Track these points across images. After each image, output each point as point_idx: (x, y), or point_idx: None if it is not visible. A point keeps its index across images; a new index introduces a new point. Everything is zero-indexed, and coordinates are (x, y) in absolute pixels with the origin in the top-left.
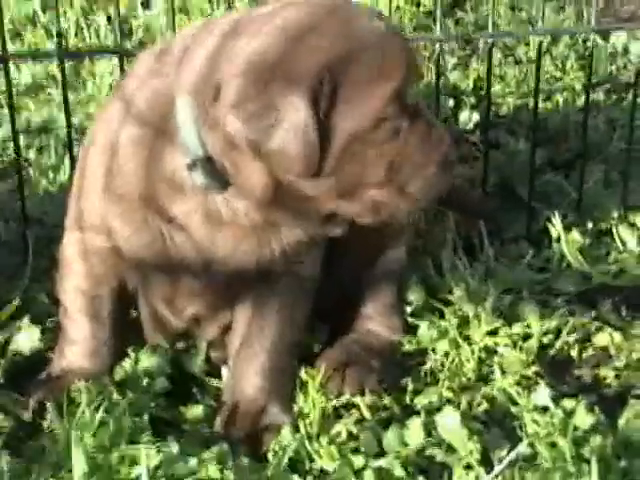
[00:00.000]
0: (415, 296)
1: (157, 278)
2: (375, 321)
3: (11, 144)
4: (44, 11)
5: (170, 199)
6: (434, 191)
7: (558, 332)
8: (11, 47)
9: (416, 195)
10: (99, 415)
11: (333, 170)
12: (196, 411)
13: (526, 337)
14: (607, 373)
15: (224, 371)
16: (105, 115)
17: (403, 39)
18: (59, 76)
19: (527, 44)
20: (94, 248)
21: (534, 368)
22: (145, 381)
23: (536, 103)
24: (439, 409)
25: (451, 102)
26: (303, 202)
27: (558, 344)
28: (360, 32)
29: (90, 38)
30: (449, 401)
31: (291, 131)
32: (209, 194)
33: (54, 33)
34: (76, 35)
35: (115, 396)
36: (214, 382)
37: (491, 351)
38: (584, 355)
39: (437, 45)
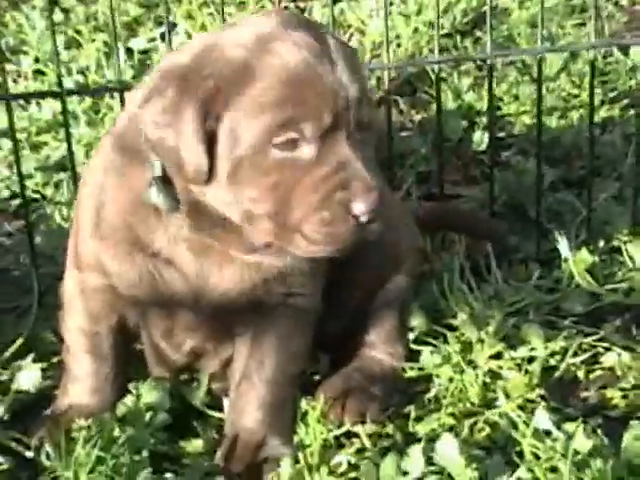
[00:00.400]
0: (418, 322)
1: (154, 313)
2: (377, 348)
3: (30, 182)
4: (67, 49)
5: (150, 230)
6: (331, 241)
7: (564, 353)
8: (33, 85)
9: (309, 238)
10: (96, 452)
11: (229, 183)
12: (197, 444)
13: (531, 360)
14: (614, 394)
15: (225, 403)
16: (97, 153)
17: (326, 71)
18: (79, 113)
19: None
20: (91, 286)
21: (538, 391)
22: (146, 416)
23: (539, 119)
24: (440, 436)
25: (464, 123)
26: (218, 217)
27: (564, 366)
28: (274, 55)
29: (109, 73)
30: (451, 428)
31: (180, 135)
32: (172, 218)
33: (74, 71)
34: (96, 72)
35: (115, 432)
36: (215, 414)
37: (495, 375)
38: (591, 376)
39: (436, 67)
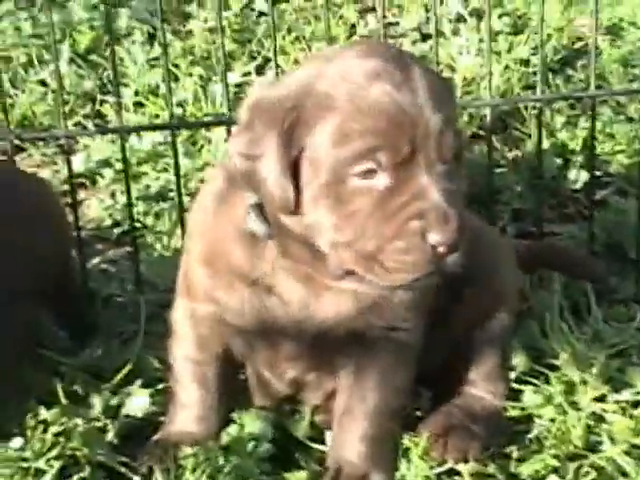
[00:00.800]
0: (519, 360)
1: (258, 342)
2: (478, 386)
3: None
4: (164, 82)
5: (249, 258)
6: (408, 270)
7: None
8: (133, 117)
9: (386, 267)
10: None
11: (312, 211)
12: (300, 476)
13: (636, 404)
14: None
15: (328, 436)
16: (207, 182)
17: (406, 100)
18: (177, 145)
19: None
20: (199, 314)
21: None
22: (250, 446)
23: None
24: (544, 478)
25: (559, 161)
26: (306, 244)
27: None
28: (353, 85)
29: (207, 106)
30: (555, 470)
31: (266, 166)
32: (270, 245)
33: (172, 103)
34: (194, 104)
35: (221, 461)
36: (318, 447)
37: (599, 418)
38: None
39: (537, 104)
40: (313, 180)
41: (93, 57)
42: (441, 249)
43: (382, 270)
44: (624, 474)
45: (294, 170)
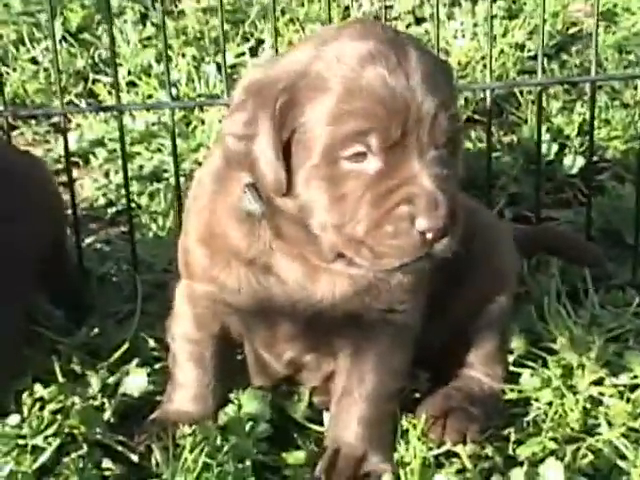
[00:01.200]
0: (517, 344)
1: (256, 322)
2: (477, 369)
3: (124, 191)
4: (158, 62)
5: (245, 237)
6: (395, 254)
7: None
8: (126, 97)
9: (374, 251)
10: (202, 459)
11: (303, 193)
12: (298, 456)
13: (633, 388)
14: None
15: (326, 417)
16: (206, 161)
17: (399, 83)
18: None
19: (635, 87)
20: (197, 293)
21: None
22: (248, 426)
23: None
24: (542, 460)
25: (555, 147)
26: (298, 225)
27: None
28: (345, 66)
29: (200, 87)
30: (553, 452)
31: (258, 147)
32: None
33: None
34: (187, 85)
35: (218, 440)
36: (316, 428)
37: (596, 401)
38: None
39: (537, 88)
40: (305, 161)
41: (85, 36)
42: (429, 235)
43: (371, 254)
44: (621, 457)
45: (287, 151)
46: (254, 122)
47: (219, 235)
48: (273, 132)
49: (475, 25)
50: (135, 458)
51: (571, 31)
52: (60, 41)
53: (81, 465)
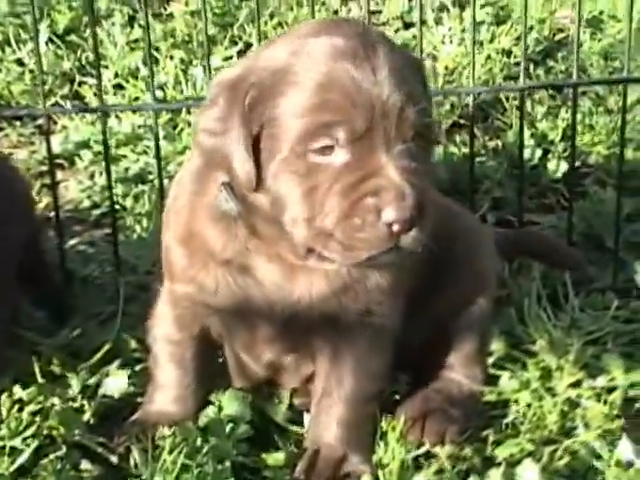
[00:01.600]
0: (497, 346)
1: (234, 323)
2: (456, 371)
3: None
4: (145, 64)
5: (221, 236)
6: (363, 247)
7: None
8: (113, 99)
9: (342, 244)
10: (181, 460)
11: (273, 187)
12: (277, 457)
13: (610, 390)
14: None
15: (306, 419)
16: (186, 162)
17: (365, 77)
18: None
19: (619, 93)
20: (178, 294)
21: (618, 422)
22: (228, 427)
23: (622, 150)
24: (520, 461)
25: (539, 152)
26: (270, 221)
27: None
28: (311, 61)
29: (187, 90)
30: (530, 453)
31: (229, 143)
32: (241, 224)
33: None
34: (174, 87)
35: (198, 442)
36: (296, 429)
37: (574, 403)
38: None
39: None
40: (275, 155)
41: (72, 38)
42: (396, 227)
43: (339, 247)
44: (597, 457)
45: (258, 146)
46: (226, 118)
47: (197, 235)
48: (243, 128)
49: (463, 31)
50: (114, 459)
51: (557, 37)
52: (47, 43)
53: (59, 466)
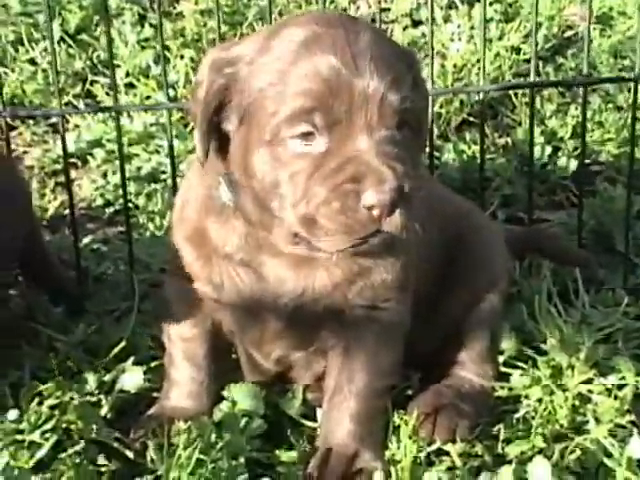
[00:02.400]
0: (508, 344)
1: (244, 319)
2: (468, 368)
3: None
4: (156, 63)
5: (222, 230)
6: (345, 232)
7: None
8: (124, 98)
9: (324, 229)
10: (196, 455)
11: (259, 175)
12: (290, 456)
13: (621, 387)
14: None
15: (320, 414)
16: (191, 165)
17: (345, 63)
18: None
19: (629, 90)
20: (186, 290)
21: (629, 417)
22: (242, 422)
23: (632, 147)
24: (531, 458)
25: (549, 149)
26: (259, 206)
27: None
28: (292, 47)
29: None
30: (541, 450)
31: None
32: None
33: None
34: (185, 86)
35: (213, 437)
36: (310, 424)
37: (585, 399)
38: None
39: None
40: (260, 142)
41: (83, 37)
42: (376, 211)
43: (322, 232)
44: (608, 455)
45: (243, 131)
46: (199, 94)
47: (201, 230)
48: (207, 109)
49: (472, 28)
50: (130, 455)
51: (567, 34)
52: (58, 42)
53: (77, 461)
